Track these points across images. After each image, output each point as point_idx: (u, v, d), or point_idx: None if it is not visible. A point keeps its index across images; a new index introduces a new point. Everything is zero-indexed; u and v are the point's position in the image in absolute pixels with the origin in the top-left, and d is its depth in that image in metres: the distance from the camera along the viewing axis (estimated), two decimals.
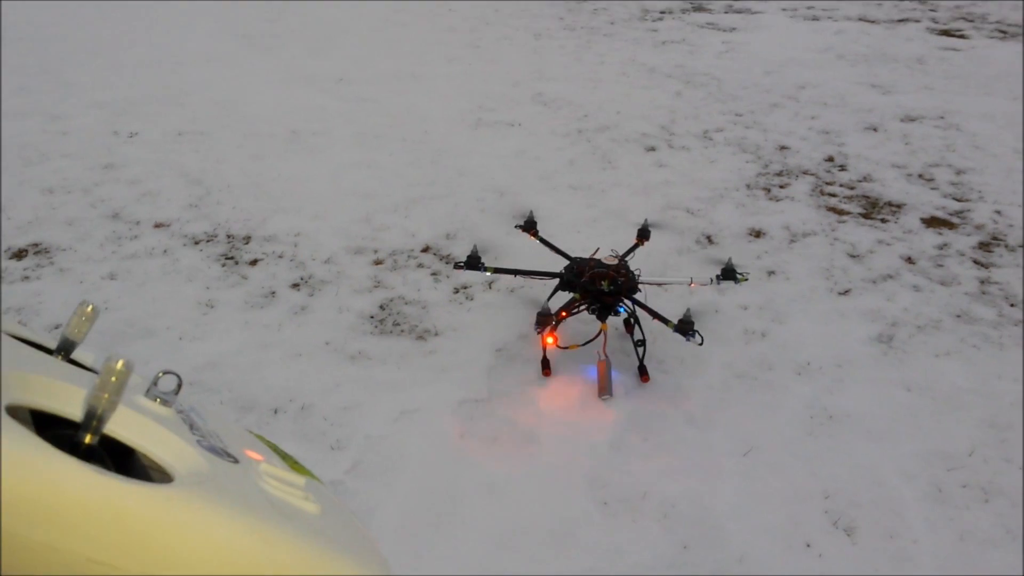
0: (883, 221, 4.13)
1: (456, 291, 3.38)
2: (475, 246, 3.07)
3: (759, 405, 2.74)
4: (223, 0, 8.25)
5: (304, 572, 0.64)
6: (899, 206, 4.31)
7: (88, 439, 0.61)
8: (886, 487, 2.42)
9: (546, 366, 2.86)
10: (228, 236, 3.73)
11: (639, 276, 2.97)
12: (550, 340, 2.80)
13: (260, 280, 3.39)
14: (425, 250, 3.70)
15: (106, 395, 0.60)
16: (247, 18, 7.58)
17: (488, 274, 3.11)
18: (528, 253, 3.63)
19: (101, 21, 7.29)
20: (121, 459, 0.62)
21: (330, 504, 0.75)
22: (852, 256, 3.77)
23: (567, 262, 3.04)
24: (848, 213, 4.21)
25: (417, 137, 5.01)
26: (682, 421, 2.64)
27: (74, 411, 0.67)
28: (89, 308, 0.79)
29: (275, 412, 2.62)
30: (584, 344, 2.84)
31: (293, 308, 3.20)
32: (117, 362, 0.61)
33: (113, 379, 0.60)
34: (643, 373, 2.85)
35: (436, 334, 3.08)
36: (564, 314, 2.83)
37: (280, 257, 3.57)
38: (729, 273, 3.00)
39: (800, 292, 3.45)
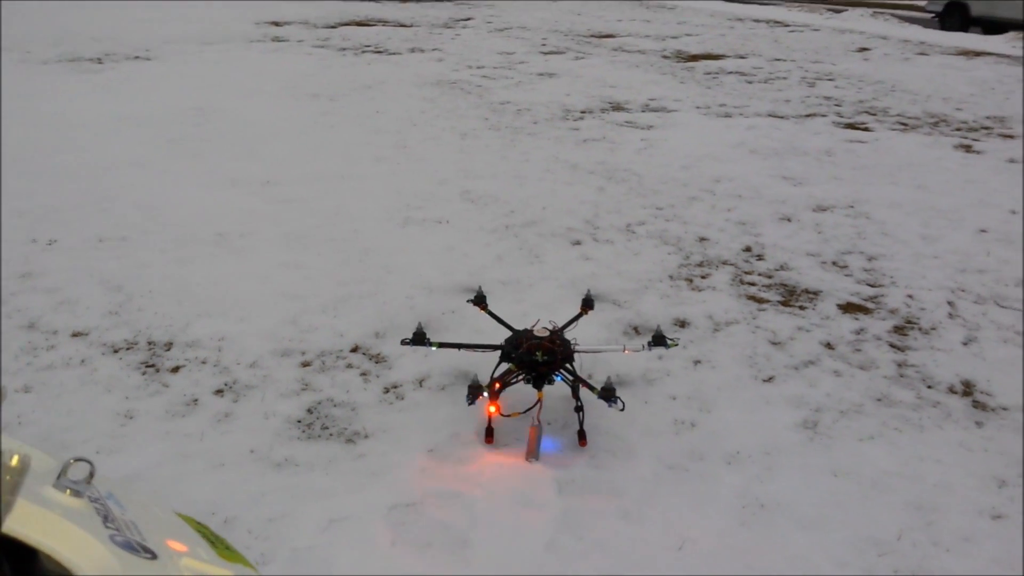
0: (801, 308, 4.27)
1: (386, 390, 3.34)
2: (420, 323, 3.17)
3: (692, 496, 2.74)
4: (149, 106, 8.26)
5: None
6: (815, 293, 4.47)
7: None
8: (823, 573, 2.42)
9: (489, 434, 2.96)
10: (149, 343, 3.64)
11: (575, 345, 3.05)
12: (492, 409, 2.91)
13: (182, 388, 3.29)
14: (354, 350, 3.66)
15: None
16: (173, 123, 7.59)
17: (434, 348, 3.16)
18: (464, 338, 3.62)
19: (21, 126, 7.20)
20: (24, 559, 0.56)
21: None
22: (774, 343, 3.87)
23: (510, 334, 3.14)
24: (767, 301, 4.34)
25: (345, 236, 5.02)
26: (616, 516, 2.62)
27: None
28: (14, 461, 0.71)
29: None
30: (525, 412, 2.94)
31: (216, 416, 3.11)
32: (12, 458, 0.57)
33: (8, 477, 0.56)
34: (581, 438, 2.96)
35: (366, 436, 3.02)
36: (498, 384, 2.89)
37: (203, 363, 3.49)
38: (659, 339, 3.12)
39: (726, 380, 3.51)
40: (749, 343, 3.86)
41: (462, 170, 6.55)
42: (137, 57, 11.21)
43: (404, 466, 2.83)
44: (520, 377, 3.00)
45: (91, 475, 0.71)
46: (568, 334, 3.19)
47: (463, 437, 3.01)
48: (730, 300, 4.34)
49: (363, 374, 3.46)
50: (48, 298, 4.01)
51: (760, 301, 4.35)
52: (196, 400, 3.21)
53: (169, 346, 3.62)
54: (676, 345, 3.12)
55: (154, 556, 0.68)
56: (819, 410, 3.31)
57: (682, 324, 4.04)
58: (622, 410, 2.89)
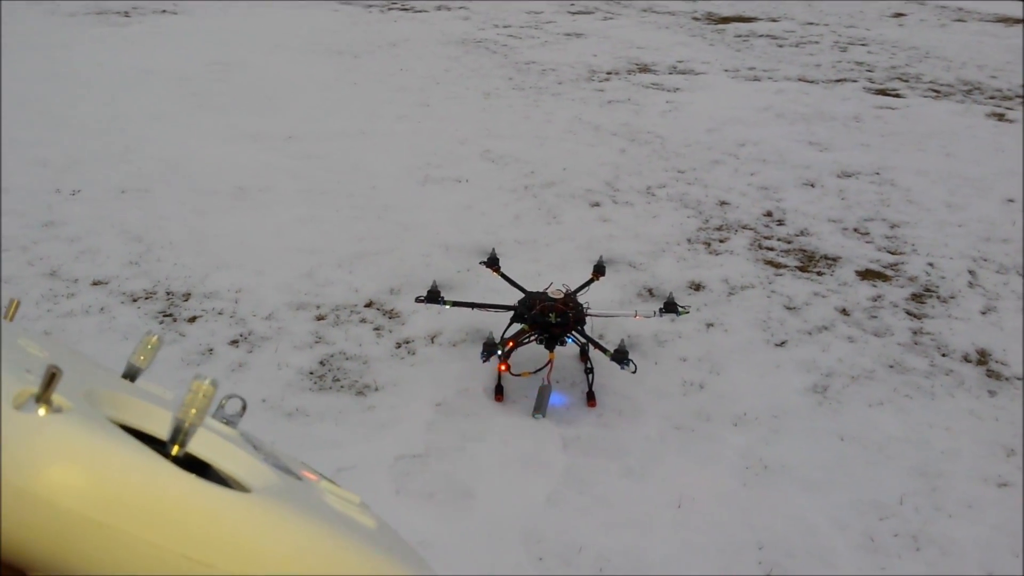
0: (819, 274, 4.24)
1: (398, 345, 3.38)
2: (435, 281, 3.20)
3: (696, 456, 2.76)
4: (174, 60, 8.28)
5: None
6: (834, 259, 4.43)
7: (175, 451, 0.65)
8: (819, 537, 2.44)
9: (499, 392, 3.00)
10: (168, 293, 3.69)
11: (587, 309, 3.07)
12: (502, 367, 2.95)
13: (198, 337, 3.35)
14: (368, 305, 3.70)
15: (193, 410, 0.65)
16: (197, 78, 7.61)
17: (448, 307, 3.19)
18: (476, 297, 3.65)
19: (48, 80, 7.26)
20: (198, 473, 0.65)
21: (381, 522, 0.81)
22: (789, 308, 3.85)
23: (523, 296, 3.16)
24: (785, 266, 4.31)
25: (364, 193, 5.03)
26: (619, 474, 2.64)
27: (156, 429, 0.72)
28: (155, 338, 0.82)
29: None
30: (535, 372, 2.98)
31: (231, 365, 3.16)
32: (205, 380, 0.66)
33: (201, 395, 0.65)
34: (590, 399, 2.99)
35: (376, 389, 3.06)
36: (512, 343, 2.92)
37: (220, 314, 3.54)
38: (671, 306, 3.12)
39: (738, 344, 3.51)
40: (763, 307, 3.84)
41: (484, 129, 6.53)
42: (164, 11, 11.21)
43: (412, 419, 2.87)
44: (533, 337, 3.02)
45: (243, 408, 0.81)
46: (580, 299, 3.19)
47: (472, 393, 3.04)
48: (747, 265, 4.31)
49: (376, 329, 3.50)
50: (70, 247, 4.07)
51: (777, 266, 4.32)
52: (211, 349, 3.26)
53: (187, 296, 3.67)
54: (687, 313, 3.13)
55: (299, 478, 0.76)
56: (830, 375, 3.30)
57: (697, 287, 4.03)
58: (634, 372, 2.90)
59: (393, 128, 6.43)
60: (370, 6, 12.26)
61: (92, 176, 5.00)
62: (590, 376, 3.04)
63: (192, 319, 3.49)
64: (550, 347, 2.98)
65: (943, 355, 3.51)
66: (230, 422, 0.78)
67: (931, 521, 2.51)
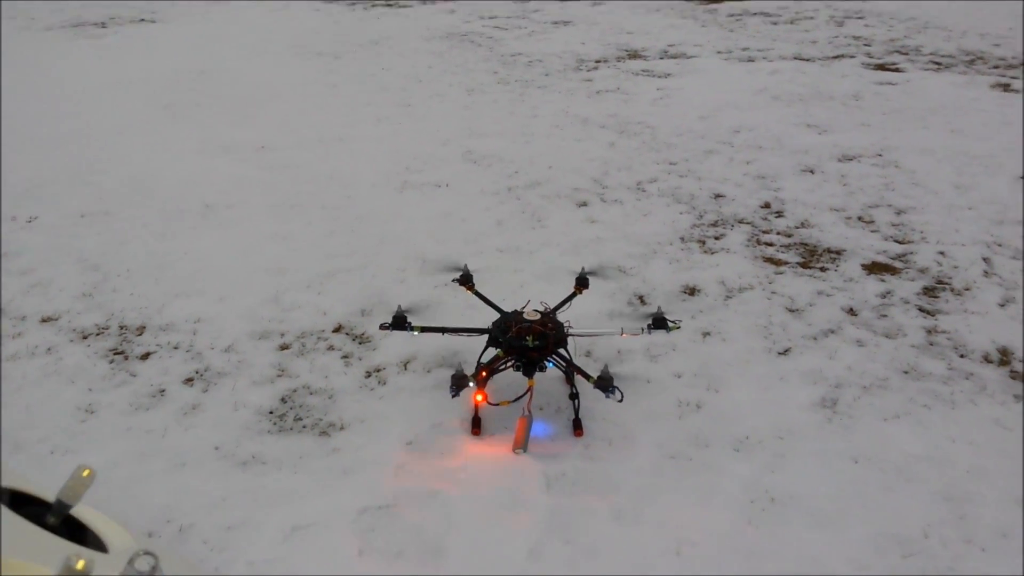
0: (822, 270, 3.95)
1: (368, 375, 3.11)
2: (399, 306, 2.92)
3: (694, 490, 2.48)
4: (149, 69, 8.00)
5: None
6: (838, 252, 4.14)
7: None
8: None
9: (475, 425, 2.75)
10: (121, 327, 3.43)
11: (569, 328, 2.79)
12: (479, 398, 2.71)
13: (150, 376, 3.08)
14: (337, 330, 3.43)
15: None
16: (171, 87, 7.33)
17: (415, 333, 2.89)
18: (451, 320, 3.38)
19: (15, 98, 6.99)
20: None
21: None
22: (791, 311, 3.57)
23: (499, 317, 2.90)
24: (786, 263, 4.02)
25: (338, 204, 4.76)
26: (609, 517, 2.37)
27: None
28: (85, 473, 0.81)
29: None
30: (514, 400, 2.73)
31: (183, 408, 2.89)
32: (78, 562, 0.61)
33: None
34: (576, 427, 2.73)
35: (342, 428, 2.80)
36: (485, 373, 2.65)
37: (175, 348, 3.28)
38: (660, 322, 2.83)
39: (737, 354, 3.23)
40: (764, 311, 3.56)
41: (466, 128, 6.24)
42: (142, 20, 10.92)
43: (380, 462, 2.60)
44: (509, 363, 2.75)
45: (154, 569, 0.75)
46: (562, 315, 2.92)
47: (447, 427, 2.77)
48: (745, 263, 4.03)
49: (345, 357, 3.23)
50: (21, 280, 3.81)
51: (777, 263, 4.03)
52: (163, 391, 3.00)
53: (141, 330, 3.41)
54: (678, 328, 2.84)
55: None
56: (839, 386, 3.02)
57: (692, 292, 3.75)
58: (620, 401, 2.63)
59: (372, 132, 6.15)
60: (353, 4, 11.96)
61: (51, 200, 4.74)
62: (575, 402, 2.77)
63: (145, 356, 3.23)
64: (528, 373, 2.72)
65: (961, 356, 3.23)
66: None
67: (961, 557, 2.23)
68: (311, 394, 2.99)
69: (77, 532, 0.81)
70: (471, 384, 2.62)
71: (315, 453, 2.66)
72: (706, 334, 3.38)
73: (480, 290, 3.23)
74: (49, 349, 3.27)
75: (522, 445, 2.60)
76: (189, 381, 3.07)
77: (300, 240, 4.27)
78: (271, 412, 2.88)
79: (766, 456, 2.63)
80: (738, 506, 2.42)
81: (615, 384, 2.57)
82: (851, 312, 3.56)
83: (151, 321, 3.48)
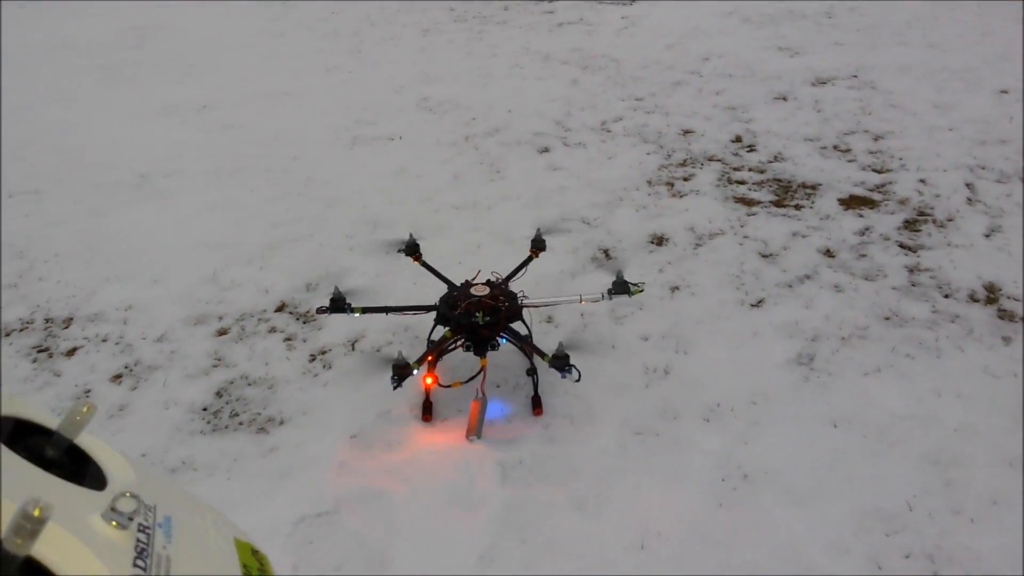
0: (797, 208, 3.72)
1: (312, 358, 2.89)
2: (336, 287, 2.64)
3: (661, 471, 2.29)
4: (86, 30, 7.55)
5: None
6: (814, 187, 3.90)
7: None
8: (816, 567, 1.98)
9: (426, 411, 2.53)
10: (46, 321, 3.18)
11: (523, 299, 2.56)
12: (429, 380, 2.49)
13: (75, 376, 2.85)
14: (280, 308, 3.19)
15: (19, 540, 0.62)
16: (109, 48, 6.92)
17: (357, 315, 2.64)
18: (403, 293, 3.15)
19: None
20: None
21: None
22: (764, 256, 3.35)
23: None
24: (758, 203, 3.78)
25: (284, 166, 4.47)
26: (569, 508, 2.18)
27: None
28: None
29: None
30: (467, 382, 2.50)
31: (109, 410, 2.67)
32: (34, 508, 0.61)
33: (28, 526, 0.61)
34: (536, 405, 2.52)
35: (281, 423, 2.58)
36: (431, 357, 2.43)
37: (104, 341, 3.04)
38: (621, 286, 2.58)
39: (707, 309, 3.02)
40: (735, 259, 3.34)
41: (421, 73, 5.90)
42: None
43: (321, 461, 2.39)
44: (459, 343, 2.52)
45: (136, 511, 0.73)
46: (517, 285, 2.68)
47: (395, 415, 2.56)
48: (715, 205, 3.79)
49: (288, 339, 3.00)
50: None
51: (750, 203, 3.79)
52: (88, 391, 2.77)
53: (68, 323, 3.16)
54: (641, 292, 2.60)
55: None
56: (816, 339, 2.82)
57: (659, 241, 3.52)
58: (577, 381, 2.42)
59: (321, 83, 5.81)
60: None
61: None
62: (534, 378, 2.56)
63: (71, 352, 2.99)
64: (480, 352, 2.49)
65: (946, 296, 3.03)
66: (121, 524, 0.71)
67: (950, 531, 2.05)
68: (249, 385, 2.76)
69: (81, 464, 0.80)
70: (415, 372, 2.40)
71: (251, 454, 2.45)
72: (674, 288, 3.16)
73: (436, 253, 2.99)
74: None
75: (475, 431, 2.39)
76: (117, 378, 2.83)
77: (241, 210, 3.99)
78: (205, 409, 2.66)
79: (739, 425, 2.44)
80: (708, 486, 2.23)
81: (571, 363, 2.34)
82: (828, 253, 3.34)
83: (79, 311, 3.23)
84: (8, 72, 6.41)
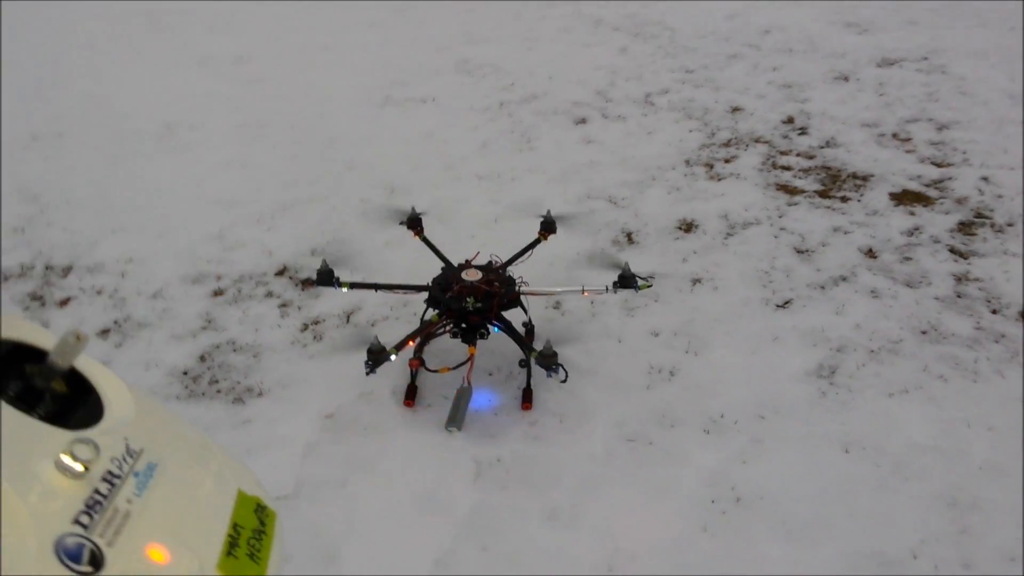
0: (843, 200, 3.44)
1: (304, 327, 2.76)
2: (324, 260, 2.48)
3: (647, 484, 2.11)
4: None
5: None
6: (864, 179, 3.61)
7: None
8: None
9: (410, 395, 2.38)
10: (47, 268, 3.12)
11: (521, 285, 2.38)
12: (415, 364, 2.34)
13: (63, 327, 2.72)
14: (280, 272, 3.07)
15: (61, 360, 0.71)
16: None
17: (345, 290, 2.48)
18: (407, 266, 2.99)
19: None
20: None
21: None
22: (799, 252, 3.09)
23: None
24: (801, 192, 3.52)
25: (310, 123, 4.34)
26: (540, 516, 2.02)
27: None
28: (77, 337, 0.76)
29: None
30: (455, 368, 2.32)
31: None
32: (74, 335, 0.72)
33: (69, 347, 0.72)
34: (525, 399, 2.36)
35: (260, 394, 2.46)
36: (412, 342, 2.26)
37: (99, 294, 2.96)
38: (627, 280, 2.37)
39: (728, 307, 2.79)
40: (767, 252, 3.09)
41: (465, 33, 5.69)
42: None
43: (291, 440, 2.27)
44: (447, 328, 2.36)
45: (88, 461, 0.68)
46: (523, 268, 2.49)
47: (376, 397, 2.42)
48: (755, 192, 3.53)
49: (283, 305, 2.88)
50: None
51: (792, 192, 3.53)
52: None
53: (67, 271, 3.09)
54: (649, 287, 2.39)
55: (95, 569, 0.65)
56: (842, 349, 2.58)
57: (688, 227, 3.29)
58: (563, 382, 2.24)
59: (361, 39, 5.64)
60: None
61: (5, 120, 4.39)
62: (528, 369, 2.39)
63: (64, 302, 2.92)
64: (468, 340, 2.32)
65: (993, 311, 2.75)
66: (74, 473, 0.67)
67: None
68: (235, 351, 2.65)
69: (81, 394, 0.78)
70: (392, 358, 2.24)
71: (224, 424, 2.34)
72: (696, 281, 2.94)
73: (450, 225, 2.82)
74: None
75: (456, 422, 2.23)
76: (105, 333, 2.75)
77: (260, 167, 3.88)
78: (185, 373, 2.56)
79: (740, 441, 2.23)
80: (695, 507, 2.03)
81: (559, 363, 2.16)
82: (869, 254, 3.07)
83: (80, 261, 3.16)
84: (44, 15, 6.38)
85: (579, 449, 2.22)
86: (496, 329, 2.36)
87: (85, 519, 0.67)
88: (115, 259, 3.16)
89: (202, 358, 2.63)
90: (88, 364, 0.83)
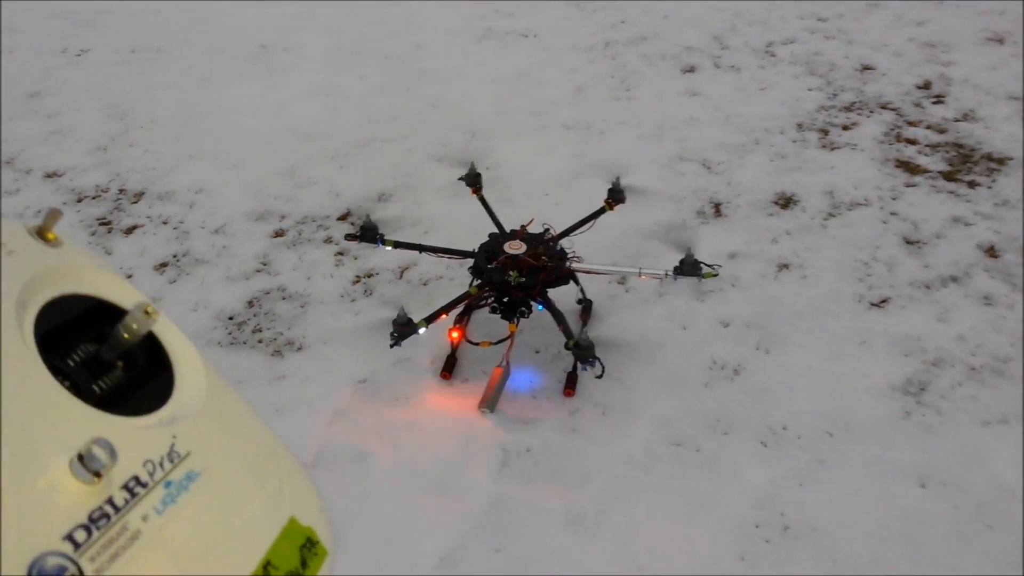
0: (971, 186, 3.04)
1: (356, 280, 2.66)
2: (368, 215, 2.34)
3: (686, 499, 1.91)
4: None
5: None
6: (1001, 161, 3.18)
7: None
8: None
9: (448, 367, 2.26)
10: (120, 191, 3.13)
11: (573, 260, 2.18)
12: (455, 335, 2.21)
13: (124, 257, 2.77)
14: (344, 217, 2.97)
15: (127, 336, 0.63)
16: None
17: (388, 248, 2.35)
18: (468, 225, 2.83)
19: None
20: None
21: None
22: (909, 242, 2.75)
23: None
24: (924, 172, 3.13)
25: (404, 54, 4.18)
26: (562, 519, 1.86)
27: None
28: (148, 310, 0.66)
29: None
30: (497, 343, 2.18)
31: None
32: (144, 308, 0.64)
33: (137, 321, 0.63)
34: (568, 384, 2.19)
35: (299, 348, 2.39)
36: (444, 315, 2.12)
37: (164, 224, 2.94)
38: (690, 267, 2.11)
39: (814, 300, 2.51)
40: (871, 240, 2.77)
41: None
42: None
43: (320, 403, 2.18)
44: (487, 302, 2.19)
45: (105, 467, 0.55)
46: (573, 241, 2.28)
47: (413, 364, 2.30)
48: (870, 167, 3.17)
49: (339, 254, 2.78)
50: (43, 126, 3.57)
51: (913, 170, 3.15)
52: (130, 276, 2.68)
53: (139, 197, 3.09)
54: (715, 275, 2.14)
55: None
56: (938, 363, 2.27)
57: (785, 203, 2.98)
58: (599, 377, 2.05)
59: None
60: None
61: (107, 32, 4.43)
62: (574, 352, 2.20)
63: (130, 230, 2.91)
64: (508, 316, 2.16)
65: None
66: (84, 480, 0.54)
67: None
68: (284, 299, 2.58)
69: (153, 368, 0.68)
70: (420, 332, 2.10)
71: (257, 378, 2.28)
72: (783, 267, 2.66)
73: (523, 180, 2.62)
74: (38, 212, 3.01)
75: (489, 403, 2.08)
76: (162, 267, 2.73)
77: (345, 98, 3.76)
78: (231, 318, 2.50)
79: (801, 459, 2.00)
80: (736, 531, 1.83)
81: (595, 355, 1.97)
82: (990, 252, 2.70)
83: (153, 186, 3.15)
84: None
85: (617, 447, 2.04)
86: (540, 308, 2.18)
87: (81, 536, 0.56)
88: (186, 187, 3.13)
89: (250, 303, 2.57)
90: (171, 333, 0.71)
